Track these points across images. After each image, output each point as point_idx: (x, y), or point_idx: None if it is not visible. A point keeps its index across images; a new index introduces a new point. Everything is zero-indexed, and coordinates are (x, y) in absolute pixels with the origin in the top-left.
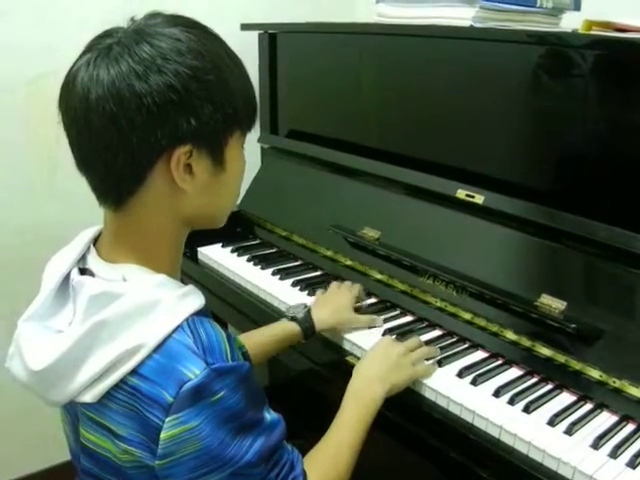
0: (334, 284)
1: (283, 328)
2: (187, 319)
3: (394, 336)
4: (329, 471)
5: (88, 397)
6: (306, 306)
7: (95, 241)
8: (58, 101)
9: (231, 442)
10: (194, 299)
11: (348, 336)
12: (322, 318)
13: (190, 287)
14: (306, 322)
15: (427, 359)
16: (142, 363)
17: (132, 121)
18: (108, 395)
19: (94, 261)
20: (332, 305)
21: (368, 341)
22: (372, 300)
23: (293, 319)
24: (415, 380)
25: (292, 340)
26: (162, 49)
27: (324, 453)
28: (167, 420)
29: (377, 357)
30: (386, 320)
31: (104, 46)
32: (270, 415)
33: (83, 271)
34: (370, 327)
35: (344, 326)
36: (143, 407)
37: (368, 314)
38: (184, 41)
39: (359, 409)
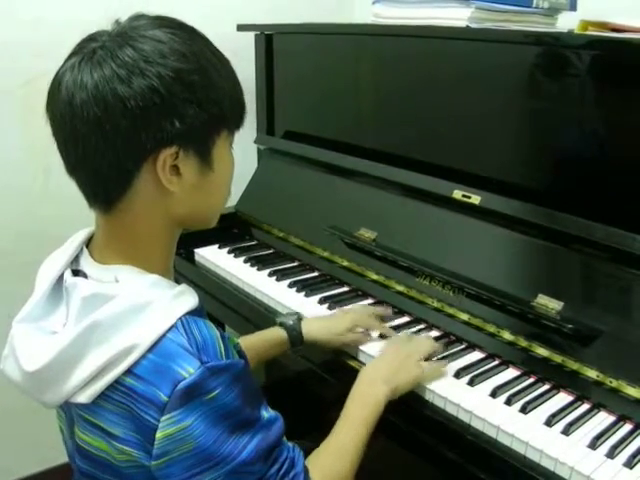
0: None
1: (272, 333)
2: (181, 319)
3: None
4: (332, 472)
5: (82, 398)
6: (298, 315)
7: (88, 242)
8: (45, 106)
9: (227, 440)
10: (187, 298)
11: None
12: (311, 330)
13: (183, 286)
14: (294, 330)
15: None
16: (137, 363)
17: (116, 125)
18: (103, 396)
19: (87, 263)
20: (326, 322)
21: (367, 343)
22: (369, 301)
23: (281, 325)
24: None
25: (279, 345)
26: (145, 52)
27: (327, 454)
28: (162, 419)
29: (384, 359)
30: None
31: (88, 50)
32: (267, 413)
33: (76, 273)
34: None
35: (332, 342)
36: (138, 407)
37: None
38: (167, 43)
39: (362, 410)
